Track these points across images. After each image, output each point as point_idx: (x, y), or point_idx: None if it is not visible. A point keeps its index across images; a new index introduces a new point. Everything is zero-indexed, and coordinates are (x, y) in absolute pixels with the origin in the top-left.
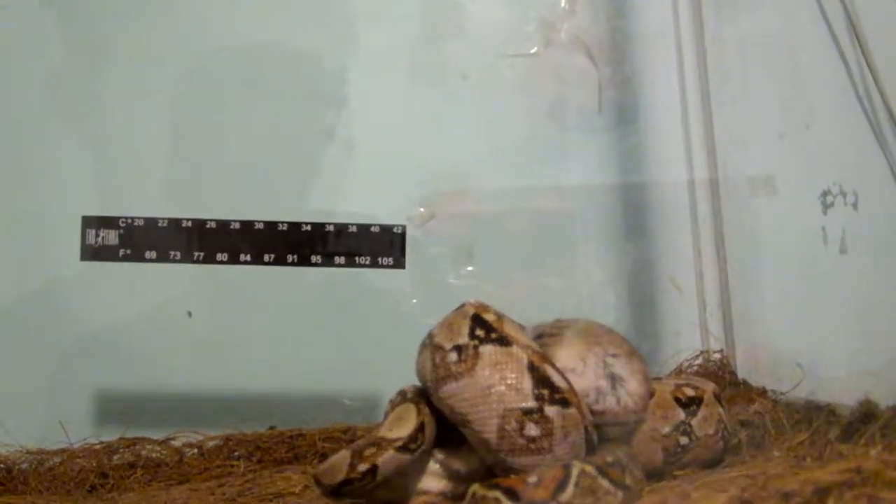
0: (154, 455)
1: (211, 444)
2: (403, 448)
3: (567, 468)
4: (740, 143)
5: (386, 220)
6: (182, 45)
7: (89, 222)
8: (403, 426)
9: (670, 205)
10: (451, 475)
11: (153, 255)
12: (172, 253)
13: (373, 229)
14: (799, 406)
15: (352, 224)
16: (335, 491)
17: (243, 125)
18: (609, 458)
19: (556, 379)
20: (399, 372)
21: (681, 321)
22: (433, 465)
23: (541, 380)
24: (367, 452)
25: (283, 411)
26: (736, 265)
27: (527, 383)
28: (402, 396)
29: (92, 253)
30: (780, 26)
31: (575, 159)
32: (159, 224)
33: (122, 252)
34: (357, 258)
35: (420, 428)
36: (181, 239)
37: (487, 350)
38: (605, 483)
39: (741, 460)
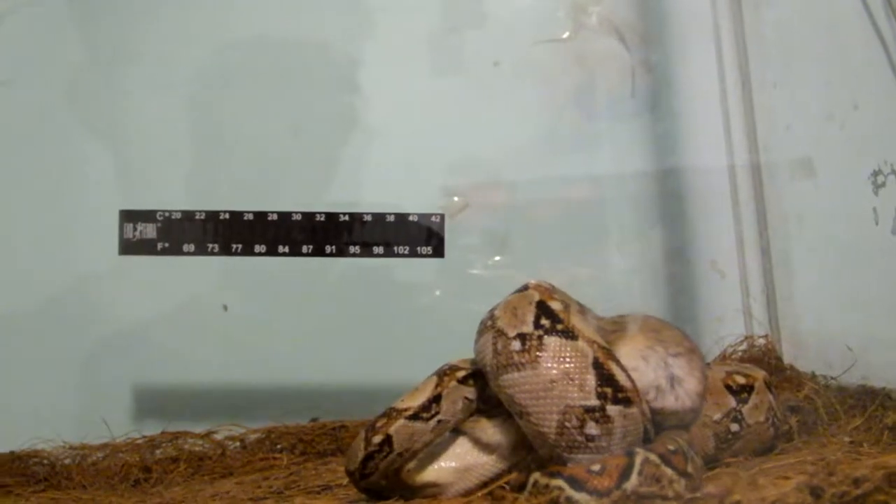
0: (196, 449)
1: (253, 437)
2: (414, 417)
3: (631, 456)
4: (783, 127)
5: (419, 210)
6: (206, 38)
7: (128, 216)
8: (417, 396)
9: (707, 189)
10: (494, 452)
11: (191, 248)
12: (210, 245)
13: (411, 218)
14: (852, 391)
15: (390, 213)
16: (362, 473)
17: (271, 116)
18: (671, 446)
19: (621, 378)
20: (433, 361)
21: (722, 306)
22: (471, 443)
23: (605, 378)
24: (379, 424)
25: (324, 404)
26: (779, 249)
27: (590, 381)
28: (438, 369)
29: (130, 247)
30: (820, 4)
31: (608, 146)
32: (196, 217)
33: (160, 245)
34: (395, 248)
35: (434, 398)
36: (219, 231)
37: (552, 342)
38: (668, 471)
39: (794, 447)
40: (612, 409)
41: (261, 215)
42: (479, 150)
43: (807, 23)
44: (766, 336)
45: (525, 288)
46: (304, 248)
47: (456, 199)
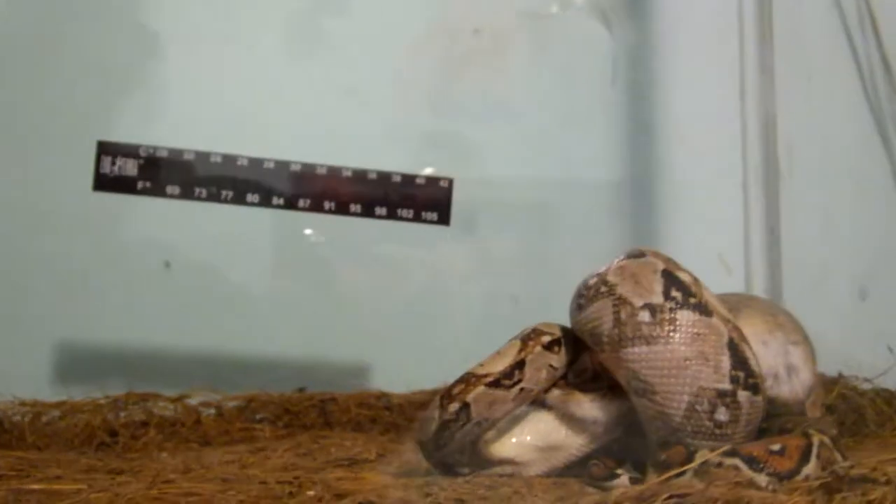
0: (167, 414)
1: (231, 404)
2: (495, 383)
3: (808, 437)
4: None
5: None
6: None
7: (106, 149)
8: (499, 362)
9: (710, 181)
10: (586, 430)
11: (176, 190)
12: (198, 190)
13: (418, 181)
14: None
15: (396, 173)
16: (437, 444)
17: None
18: (834, 431)
19: (753, 362)
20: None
21: None
22: (559, 420)
23: (739, 361)
24: (456, 390)
25: (310, 374)
26: (791, 247)
27: (725, 362)
28: (521, 333)
29: (107, 183)
30: None
31: (591, 128)
32: (184, 157)
33: (140, 184)
34: (399, 210)
35: (518, 364)
36: (208, 175)
37: (686, 317)
38: (838, 456)
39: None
40: (742, 395)
41: (256, 162)
42: (455, 119)
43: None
44: None
45: (641, 254)
46: (302, 203)
47: (430, 171)
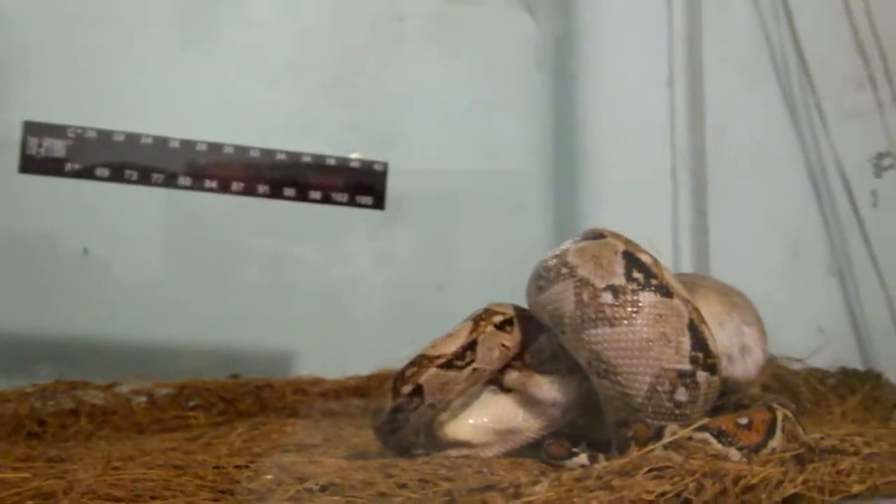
0: (97, 402)
1: (163, 392)
2: (448, 365)
3: (772, 410)
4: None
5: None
6: None
7: (32, 129)
8: (450, 343)
9: (638, 168)
10: (545, 413)
11: (105, 172)
12: (129, 172)
13: (352, 164)
14: (833, 372)
15: (330, 157)
16: (392, 428)
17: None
18: (793, 405)
19: (711, 343)
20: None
21: None
22: (517, 404)
23: (699, 342)
24: (409, 373)
25: (235, 362)
26: (719, 232)
27: (686, 343)
28: (472, 314)
29: (34, 165)
30: None
31: (516, 115)
32: (114, 138)
33: (69, 166)
34: (333, 194)
35: (470, 345)
36: (139, 158)
37: (649, 299)
38: (800, 429)
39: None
40: (700, 376)
41: (189, 144)
42: (375, 107)
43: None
44: None
45: (600, 235)
46: (235, 186)
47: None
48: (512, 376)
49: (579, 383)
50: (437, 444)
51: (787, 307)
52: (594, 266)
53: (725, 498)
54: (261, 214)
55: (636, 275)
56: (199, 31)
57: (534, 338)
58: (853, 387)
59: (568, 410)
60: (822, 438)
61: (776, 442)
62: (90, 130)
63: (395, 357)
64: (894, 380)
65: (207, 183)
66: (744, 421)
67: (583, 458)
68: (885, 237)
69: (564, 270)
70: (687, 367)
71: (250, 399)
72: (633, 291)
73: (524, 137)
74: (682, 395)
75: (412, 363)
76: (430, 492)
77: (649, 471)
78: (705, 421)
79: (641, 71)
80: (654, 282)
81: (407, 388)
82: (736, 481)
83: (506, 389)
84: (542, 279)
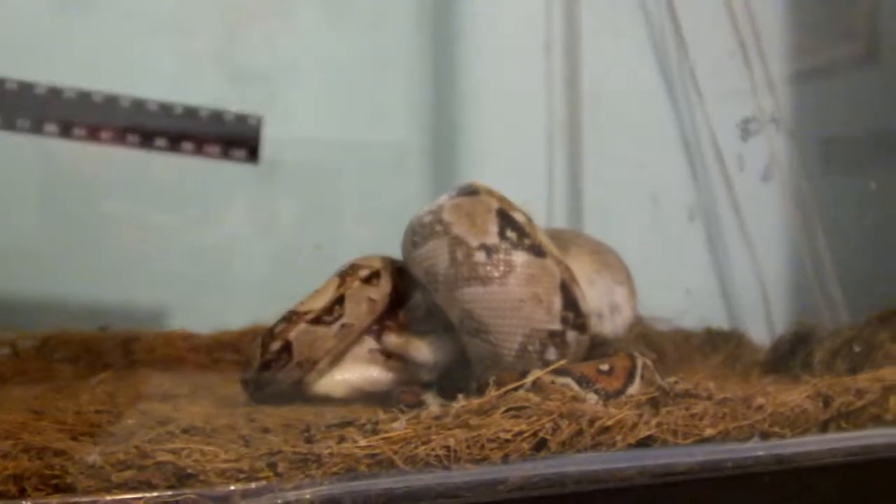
0: None
1: (27, 343)
2: (316, 320)
3: (632, 358)
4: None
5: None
6: None
7: None
8: (318, 298)
9: (514, 132)
10: (419, 373)
11: None
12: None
13: (226, 117)
14: (698, 332)
15: (203, 108)
16: (258, 384)
17: None
18: (654, 355)
19: (581, 303)
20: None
21: None
22: (375, 356)
23: (570, 302)
24: (278, 329)
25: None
26: (592, 198)
27: (557, 304)
28: (339, 270)
29: None
30: None
31: (397, 74)
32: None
33: None
34: (206, 146)
35: (337, 300)
36: (2, 102)
37: (522, 259)
38: (658, 377)
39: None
40: (570, 335)
41: (56, 91)
42: (260, 58)
43: None
44: None
45: (474, 191)
46: (104, 135)
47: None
48: (391, 339)
49: (455, 342)
50: (307, 400)
51: (656, 268)
52: (468, 224)
53: (581, 438)
54: (137, 171)
55: (509, 234)
56: None
57: (405, 290)
58: (717, 345)
59: (441, 369)
60: (676, 383)
61: (635, 388)
62: None
63: (271, 315)
64: (756, 339)
65: (76, 131)
66: (605, 367)
67: (433, 407)
68: (752, 202)
69: (439, 228)
70: (557, 327)
71: (118, 352)
72: (506, 251)
73: (407, 99)
74: (551, 354)
75: (282, 319)
76: (290, 434)
77: (507, 410)
78: (566, 364)
79: (520, 34)
80: (526, 241)
81: (276, 345)
82: (592, 422)
83: (385, 353)
84: (417, 235)
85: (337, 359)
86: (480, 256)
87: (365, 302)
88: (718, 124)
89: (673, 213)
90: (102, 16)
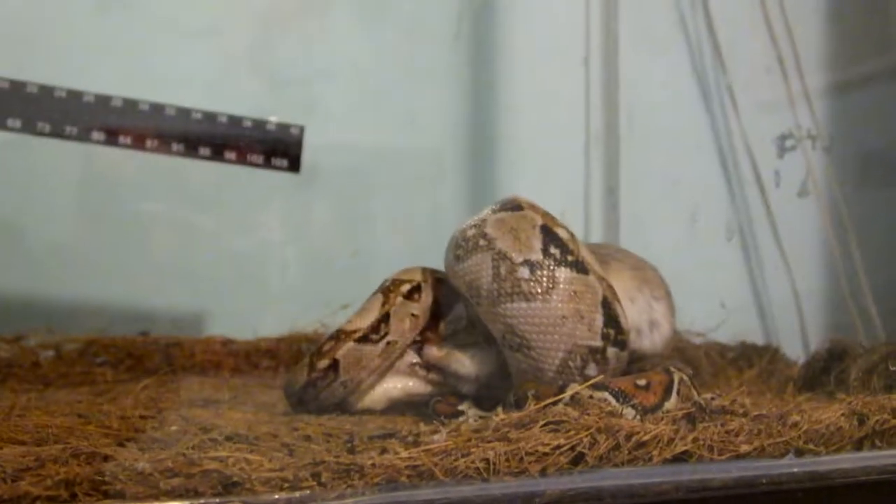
0: (3, 355)
1: (71, 346)
2: (364, 339)
3: (669, 374)
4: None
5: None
6: None
7: None
8: (365, 317)
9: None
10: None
11: (17, 123)
12: (41, 125)
13: (268, 127)
14: (733, 346)
15: (247, 118)
16: (303, 399)
17: None
18: (690, 370)
19: (622, 320)
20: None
21: None
22: (416, 369)
23: (611, 318)
24: (326, 348)
25: (144, 320)
26: (629, 209)
27: (598, 320)
28: (381, 285)
29: None
30: None
31: (434, 84)
32: (27, 90)
33: None
34: (249, 155)
35: (383, 318)
36: (52, 110)
37: (565, 275)
38: (695, 393)
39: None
40: (610, 351)
41: (103, 99)
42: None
43: None
44: None
45: (518, 206)
46: (149, 143)
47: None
48: (432, 352)
49: (495, 355)
50: (350, 411)
51: (691, 282)
52: (512, 240)
53: (618, 453)
54: (179, 177)
55: (553, 250)
56: None
57: (446, 303)
58: (751, 360)
59: (482, 381)
60: (712, 399)
61: (671, 404)
62: (2, 81)
63: (307, 322)
64: (790, 354)
65: (121, 139)
66: (642, 382)
67: (471, 420)
68: (788, 217)
69: (482, 242)
70: (598, 343)
71: (159, 357)
72: (550, 267)
73: (443, 108)
74: (592, 370)
75: (331, 337)
76: (332, 443)
77: (545, 424)
78: (604, 379)
79: (558, 47)
80: (570, 258)
81: (323, 363)
82: (629, 437)
83: (426, 366)
84: (461, 248)
85: (381, 376)
86: (524, 272)
87: (408, 319)
88: (755, 140)
89: (709, 227)
90: (139, 23)
